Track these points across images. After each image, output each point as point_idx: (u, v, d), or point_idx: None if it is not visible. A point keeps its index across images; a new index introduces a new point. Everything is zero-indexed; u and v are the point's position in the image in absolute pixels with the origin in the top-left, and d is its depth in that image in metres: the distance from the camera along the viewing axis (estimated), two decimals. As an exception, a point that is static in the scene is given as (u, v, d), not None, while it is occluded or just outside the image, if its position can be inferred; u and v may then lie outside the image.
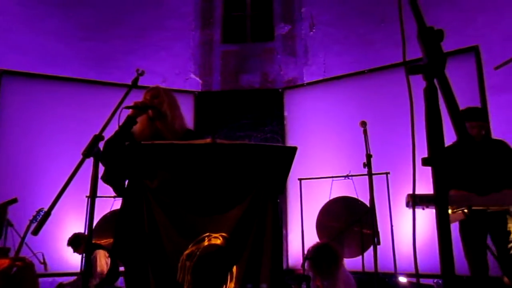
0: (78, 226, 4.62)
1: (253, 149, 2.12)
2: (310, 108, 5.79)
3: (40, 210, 4.30)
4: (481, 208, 2.94)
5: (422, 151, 1.05)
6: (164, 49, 6.72)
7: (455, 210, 2.73)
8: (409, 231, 1.22)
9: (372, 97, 5.21)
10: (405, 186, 3.90)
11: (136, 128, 2.40)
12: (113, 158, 2.24)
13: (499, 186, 3.06)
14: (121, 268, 4.30)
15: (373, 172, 3.80)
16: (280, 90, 6.26)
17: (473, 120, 3.29)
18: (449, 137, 1.14)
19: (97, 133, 1.84)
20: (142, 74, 2.28)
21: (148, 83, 2.69)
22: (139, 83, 2.35)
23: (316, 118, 5.64)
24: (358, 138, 3.94)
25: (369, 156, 3.79)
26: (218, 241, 1.95)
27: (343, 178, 4.83)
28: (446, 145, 1.01)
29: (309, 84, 6.11)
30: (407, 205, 3.11)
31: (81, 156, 1.75)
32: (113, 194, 4.70)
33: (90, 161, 1.80)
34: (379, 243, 3.69)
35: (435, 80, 0.98)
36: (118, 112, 2.10)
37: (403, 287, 4.45)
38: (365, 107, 5.12)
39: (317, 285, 3.15)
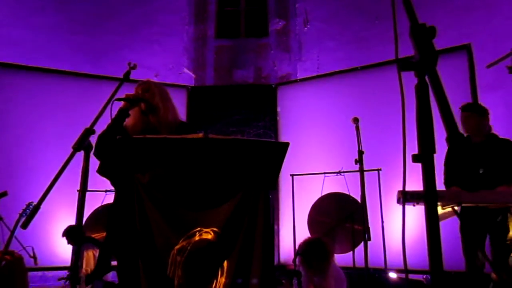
0: (69, 220, 4.58)
1: (245, 145, 2.12)
2: (303, 104, 5.79)
3: (30, 203, 4.26)
4: (483, 205, 2.97)
5: (414, 148, 1.05)
6: (158, 44, 6.67)
7: (445, 207, 2.75)
8: (399, 227, 1.23)
9: (365, 94, 5.23)
10: (396, 182, 3.93)
11: (129, 122, 2.39)
12: (107, 152, 2.23)
13: (494, 184, 3.09)
14: (113, 262, 4.29)
15: (364, 168, 3.82)
16: (273, 85, 6.25)
17: (465, 111, 3.44)
18: (440, 134, 1.14)
19: (88, 126, 1.83)
20: (134, 67, 2.27)
21: (141, 78, 2.68)
22: (132, 77, 2.33)
23: (309, 114, 5.65)
24: (351, 135, 3.95)
25: (361, 153, 3.81)
26: (209, 236, 1.95)
27: (335, 174, 4.85)
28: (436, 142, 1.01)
29: (302, 80, 6.12)
30: (398, 202, 3.13)
31: (71, 150, 1.73)
32: (105, 188, 4.69)
33: (81, 154, 1.79)
34: (369, 239, 3.72)
35: (426, 77, 0.99)
36: (109, 105, 2.08)
37: (393, 283, 4.49)
38: (358, 103, 5.13)
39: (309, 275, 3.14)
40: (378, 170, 4.59)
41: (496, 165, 3.24)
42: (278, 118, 6.05)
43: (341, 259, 4.17)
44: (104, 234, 4.65)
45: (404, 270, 4.12)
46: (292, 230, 4.92)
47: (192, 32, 6.89)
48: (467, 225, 3.25)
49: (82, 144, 1.73)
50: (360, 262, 3.82)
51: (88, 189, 1.78)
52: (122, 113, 2.32)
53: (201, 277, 1.93)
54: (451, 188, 3.28)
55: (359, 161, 3.80)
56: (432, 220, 0.97)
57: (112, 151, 2.18)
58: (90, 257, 4.23)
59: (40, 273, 5.12)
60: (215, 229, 1.97)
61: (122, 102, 2.33)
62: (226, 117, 6.24)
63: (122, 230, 2.06)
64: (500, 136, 3.45)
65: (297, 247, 3.62)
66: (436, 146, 1.01)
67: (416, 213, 3.29)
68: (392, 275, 4.49)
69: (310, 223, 4.85)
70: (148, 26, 6.65)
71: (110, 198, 4.77)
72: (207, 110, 6.17)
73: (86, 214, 4.57)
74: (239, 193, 2.02)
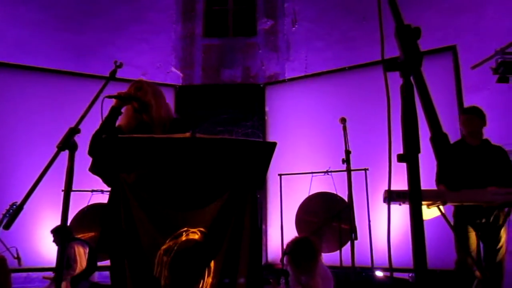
0: (53, 220, 4.52)
1: (232, 144, 2.11)
2: (291, 104, 5.80)
3: (13, 204, 4.20)
4: (469, 203, 3.02)
5: (400, 148, 1.06)
6: (145, 42, 6.62)
7: (430, 206, 2.78)
8: (386, 227, 1.23)
9: (352, 94, 5.26)
10: (383, 182, 3.95)
11: (123, 121, 2.37)
12: (97, 151, 2.21)
13: (482, 184, 3.14)
14: (100, 263, 4.24)
15: (352, 168, 3.85)
16: (261, 85, 6.25)
17: (468, 113, 3.50)
18: (425, 134, 1.15)
19: (73, 125, 1.80)
20: (120, 66, 2.24)
21: (129, 76, 2.66)
22: (119, 76, 2.31)
23: (297, 114, 5.66)
24: (338, 135, 3.97)
25: (348, 152, 3.83)
26: (196, 236, 1.94)
27: (323, 174, 4.87)
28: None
29: (290, 80, 6.13)
30: (384, 201, 3.16)
31: (56, 149, 1.71)
32: (91, 188, 4.63)
33: (66, 154, 1.76)
34: (356, 238, 3.75)
35: (411, 78, 1.00)
36: (100, 103, 2.06)
37: (379, 281, 4.53)
38: (345, 103, 5.17)
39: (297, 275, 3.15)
40: (365, 169, 4.63)
41: (490, 169, 3.30)
42: (266, 117, 6.06)
43: (328, 258, 4.19)
44: (90, 234, 4.61)
45: (390, 268, 4.16)
46: (280, 230, 4.93)
47: (180, 31, 6.86)
48: (462, 224, 3.30)
49: (66, 143, 1.70)
50: (347, 261, 3.85)
51: (74, 189, 1.76)
52: (114, 111, 2.30)
53: (188, 277, 1.92)
54: (439, 187, 3.33)
55: (346, 160, 3.82)
56: (416, 219, 0.97)
57: (100, 150, 2.16)
58: (82, 255, 4.19)
59: (24, 274, 5.05)
60: (202, 229, 1.96)
61: (114, 100, 2.31)
62: (214, 117, 6.22)
63: (111, 229, 2.04)
64: (492, 143, 3.51)
65: (284, 246, 3.63)
66: (421, 146, 1.02)
67: (402, 212, 3.33)
68: (379, 273, 4.53)
69: (298, 222, 4.86)
70: (135, 24, 6.60)
71: (96, 198, 4.72)
72: (194, 109, 6.14)
73: (72, 214, 4.52)
74: (226, 193, 2.01)
